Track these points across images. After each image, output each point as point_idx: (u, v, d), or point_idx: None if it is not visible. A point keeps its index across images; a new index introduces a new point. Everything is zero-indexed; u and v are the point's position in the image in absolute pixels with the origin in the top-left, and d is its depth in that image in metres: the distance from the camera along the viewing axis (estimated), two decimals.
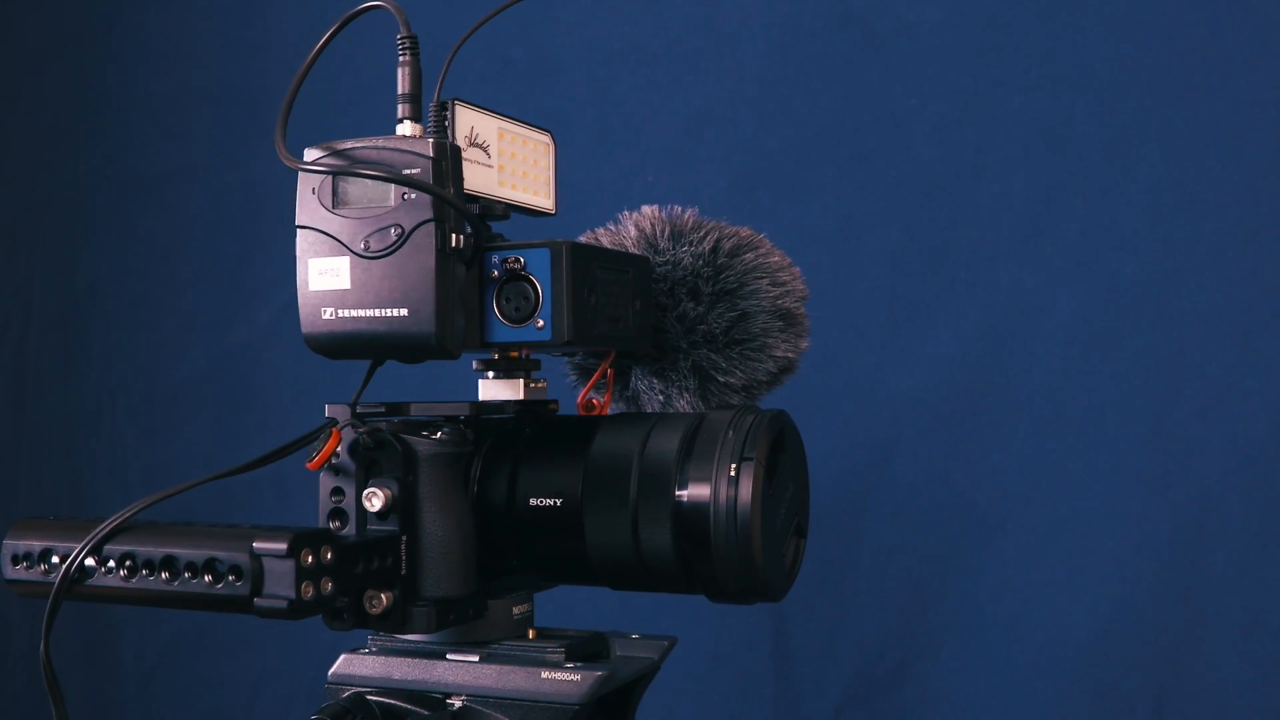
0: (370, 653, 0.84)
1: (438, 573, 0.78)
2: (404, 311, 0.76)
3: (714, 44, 1.55)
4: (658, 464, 0.79)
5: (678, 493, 0.79)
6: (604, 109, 1.58)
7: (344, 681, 0.84)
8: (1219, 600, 1.33)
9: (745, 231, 0.92)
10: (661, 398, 0.90)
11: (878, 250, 1.47)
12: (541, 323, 0.79)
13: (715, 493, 0.78)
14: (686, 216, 0.92)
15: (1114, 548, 1.37)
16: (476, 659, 0.81)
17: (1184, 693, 1.34)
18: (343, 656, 0.85)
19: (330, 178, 0.77)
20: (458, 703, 0.81)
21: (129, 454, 1.95)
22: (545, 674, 0.80)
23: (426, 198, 0.75)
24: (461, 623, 0.80)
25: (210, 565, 0.71)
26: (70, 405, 2.00)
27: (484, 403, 0.84)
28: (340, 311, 0.77)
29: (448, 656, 0.82)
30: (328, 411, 0.80)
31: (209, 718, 1.88)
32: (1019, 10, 1.41)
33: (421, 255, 0.75)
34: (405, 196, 0.75)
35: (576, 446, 0.82)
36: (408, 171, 0.75)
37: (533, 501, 0.81)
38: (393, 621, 0.76)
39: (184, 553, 0.72)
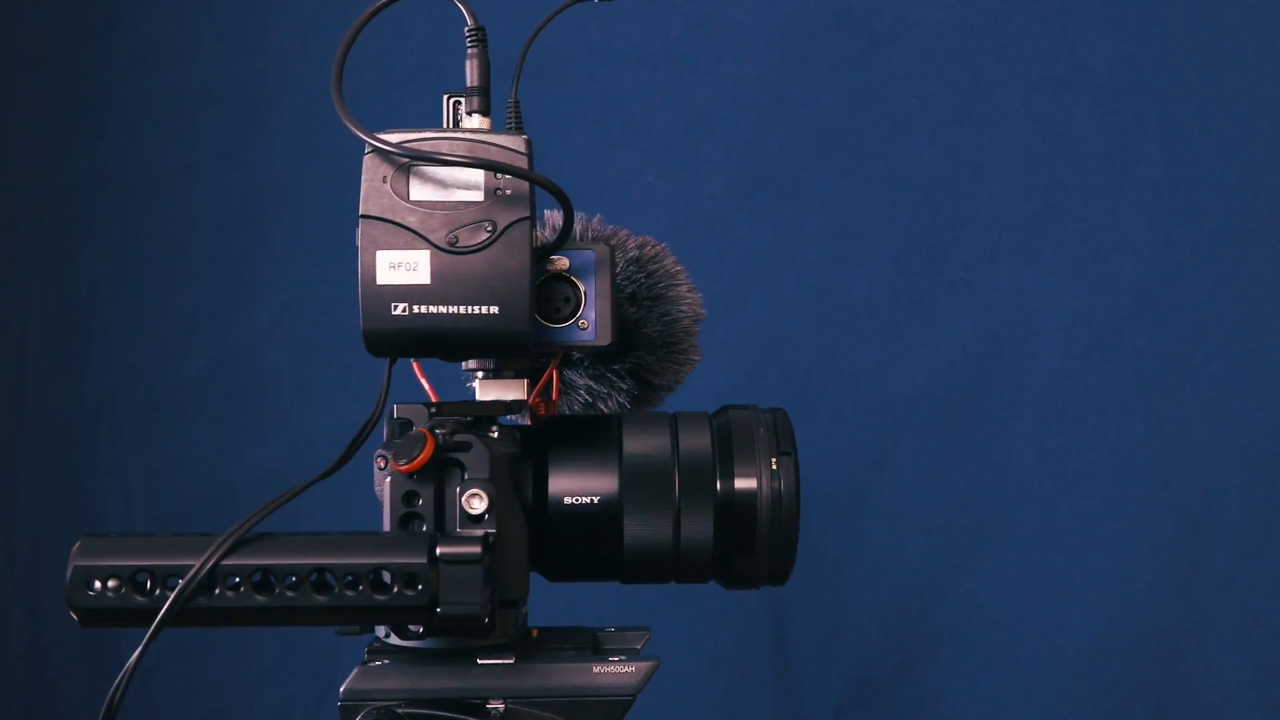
0: (386, 664, 0.79)
1: (513, 575, 0.77)
2: (495, 309, 0.74)
3: (714, 44, 1.55)
4: (697, 460, 0.82)
5: (721, 487, 0.81)
6: (604, 109, 1.58)
7: (363, 697, 0.78)
8: (1219, 600, 1.33)
9: (650, 239, 0.92)
10: (587, 398, 0.90)
11: (878, 250, 1.47)
12: (585, 323, 0.79)
13: (760, 486, 0.81)
14: (594, 221, 0.91)
15: (1114, 548, 1.37)
16: (512, 660, 0.80)
17: (1184, 693, 1.34)
18: (356, 670, 0.79)
19: (405, 167, 0.74)
20: (501, 706, 0.79)
21: (129, 454, 1.95)
22: (597, 668, 0.80)
23: (522, 194, 0.74)
24: (519, 624, 0.80)
25: (377, 574, 0.68)
26: (70, 405, 2.00)
27: (508, 403, 0.83)
28: (416, 307, 0.74)
29: (479, 660, 0.80)
30: (397, 412, 0.78)
31: (209, 718, 1.88)
32: (1019, 10, 1.41)
33: (516, 253, 0.74)
34: (499, 192, 0.74)
35: (605, 445, 0.82)
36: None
37: (568, 501, 0.81)
38: (488, 626, 0.74)
39: (341, 563, 0.68)
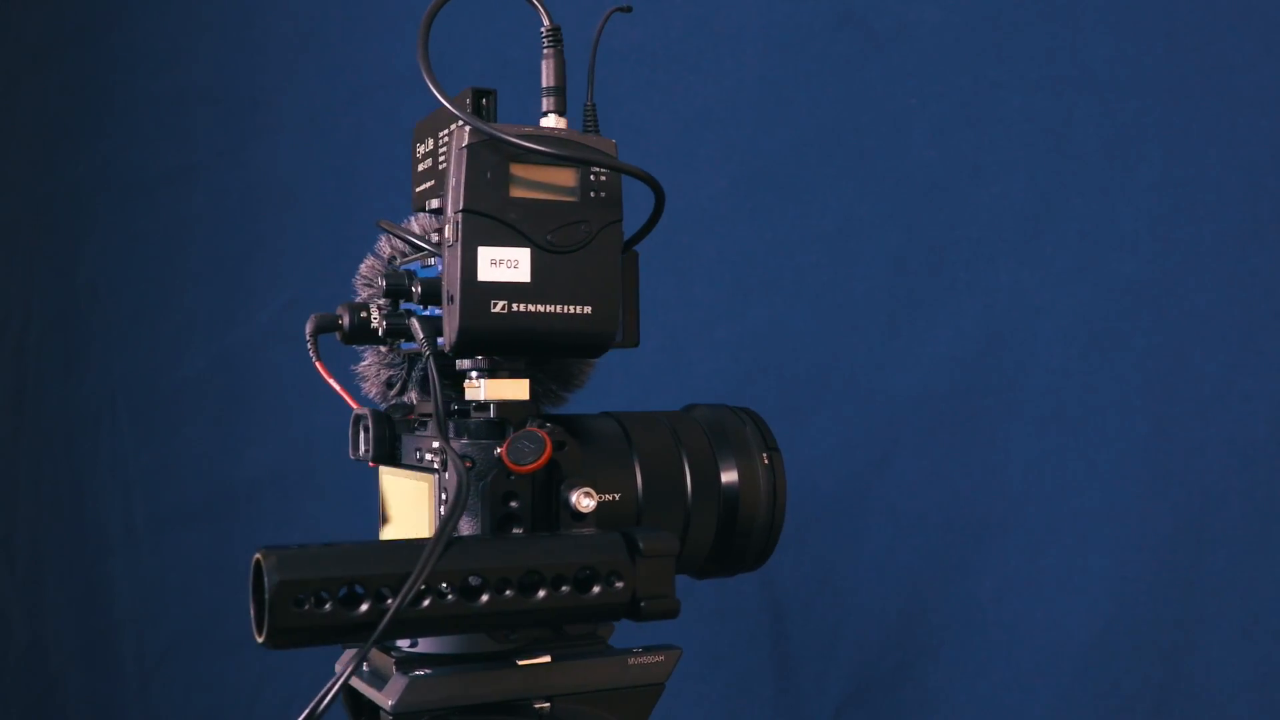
0: (430, 674, 0.77)
1: None
2: (588, 309, 0.75)
3: (714, 44, 1.55)
4: (700, 457, 0.84)
5: (724, 483, 0.84)
6: (604, 109, 1.58)
7: (416, 710, 0.76)
8: (1219, 600, 1.33)
9: None
10: None
11: (878, 250, 1.47)
12: None
13: (757, 481, 0.84)
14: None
15: (1114, 548, 1.37)
16: (549, 659, 0.80)
17: (1184, 693, 1.34)
18: (403, 683, 0.76)
19: (505, 162, 0.74)
20: (547, 706, 0.79)
21: (129, 454, 1.95)
22: (632, 660, 0.82)
23: (615, 196, 0.76)
24: None
25: (583, 573, 0.69)
26: (70, 405, 2.00)
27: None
28: (515, 305, 0.74)
29: (519, 662, 0.79)
30: (495, 413, 0.77)
31: (209, 718, 1.88)
32: (1019, 10, 1.41)
33: (609, 254, 0.76)
34: (594, 194, 0.75)
35: (616, 443, 0.83)
36: (596, 169, 0.76)
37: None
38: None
39: (551, 563, 0.68)
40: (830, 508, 1.45)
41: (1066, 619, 1.38)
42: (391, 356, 0.87)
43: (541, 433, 0.74)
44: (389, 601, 0.65)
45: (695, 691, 1.52)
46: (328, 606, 0.64)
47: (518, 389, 0.81)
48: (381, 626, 0.64)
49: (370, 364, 0.88)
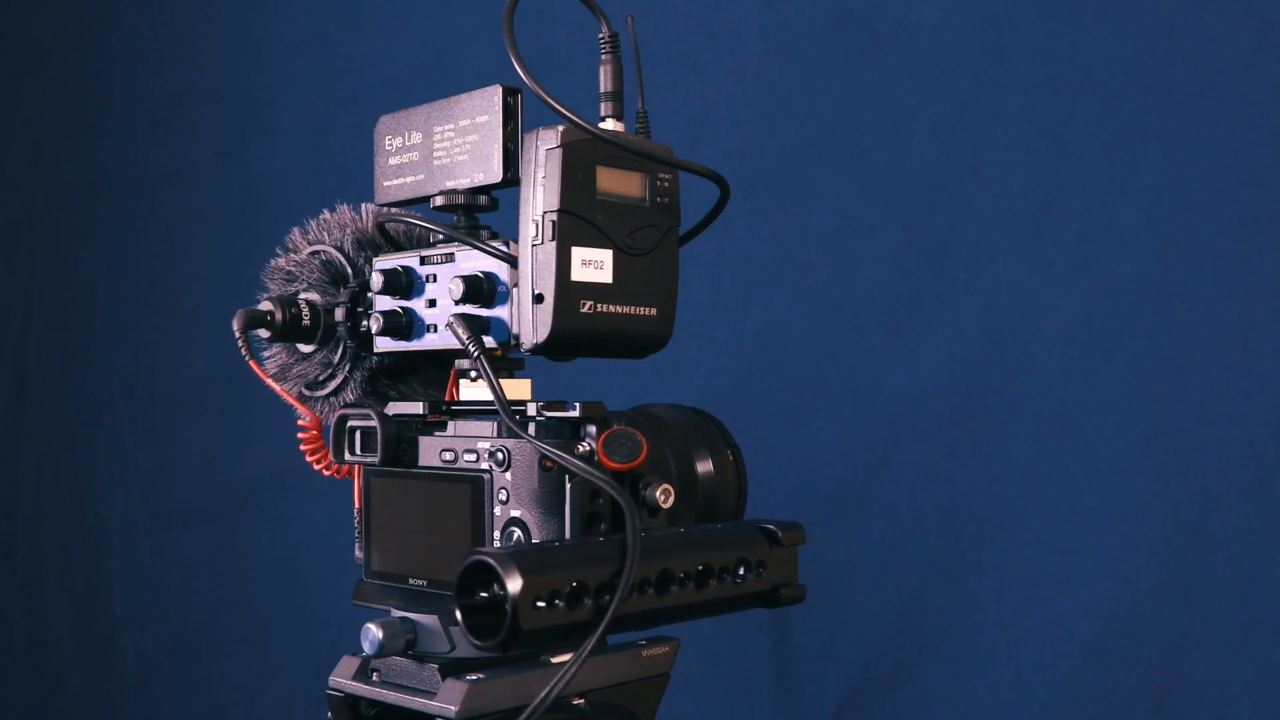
0: (484, 678, 0.77)
1: None
2: (653, 311, 0.77)
3: (714, 44, 1.55)
4: (683, 455, 0.86)
5: (701, 478, 0.86)
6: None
7: (477, 714, 0.77)
8: (1219, 600, 1.33)
9: None
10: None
11: (878, 250, 1.47)
12: None
13: (727, 476, 0.86)
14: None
15: (1114, 548, 1.37)
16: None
17: (1184, 693, 1.34)
18: (465, 689, 0.76)
19: (593, 165, 0.74)
20: (582, 702, 0.81)
21: (129, 454, 1.95)
22: (645, 653, 0.84)
23: (675, 201, 0.77)
24: None
25: (738, 565, 0.72)
26: (70, 405, 2.00)
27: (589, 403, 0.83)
28: (599, 306, 0.75)
29: (553, 660, 0.81)
30: (580, 411, 0.77)
31: (209, 718, 1.88)
32: (1019, 10, 1.41)
33: (671, 256, 0.78)
34: (659, 199, 0.77)
35: None
36: (661, 174, 0.77)
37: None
38: None
39: (719, 556, 0.72)
40: (830, 508, 1.45)
41: (1066, 619, 1.38)
42: (324, 354, 0.85)
43: (635, 431, 0.75)
44: (607, 599, 0.67)
45: (695, 691, 1.52)
46: (559, 605, 0.65)
47: (521, 388, 0.82)
48: (605, 622, 0.66)
49: (286, 362, 0.86)
